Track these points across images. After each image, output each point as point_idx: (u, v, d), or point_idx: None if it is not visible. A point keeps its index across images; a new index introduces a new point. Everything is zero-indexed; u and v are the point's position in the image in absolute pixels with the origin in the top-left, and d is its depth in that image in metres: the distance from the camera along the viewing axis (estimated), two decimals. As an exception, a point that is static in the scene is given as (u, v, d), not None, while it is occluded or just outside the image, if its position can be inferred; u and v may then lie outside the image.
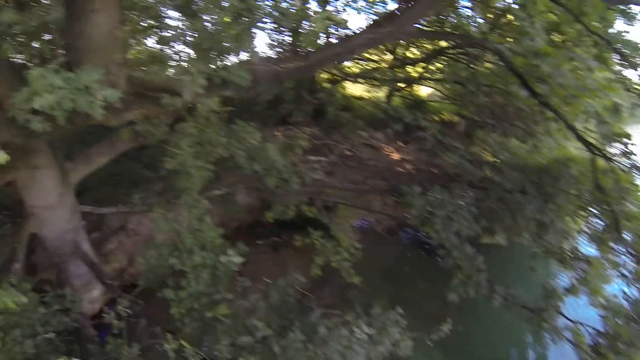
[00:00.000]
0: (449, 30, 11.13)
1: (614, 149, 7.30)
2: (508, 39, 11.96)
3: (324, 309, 6.00)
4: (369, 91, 18.21)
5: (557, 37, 10.71)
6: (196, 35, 4.67)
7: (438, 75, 16.43)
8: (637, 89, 9.60)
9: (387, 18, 6.15)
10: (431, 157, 10.97)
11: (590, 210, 8.95)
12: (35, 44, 4.28)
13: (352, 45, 5.79)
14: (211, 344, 5.65)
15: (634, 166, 7.32)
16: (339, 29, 6.54)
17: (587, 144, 7.18)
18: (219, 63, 5.00)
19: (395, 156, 10.36)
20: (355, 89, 18.48)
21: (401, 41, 13.12)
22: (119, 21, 3.99)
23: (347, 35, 6.11)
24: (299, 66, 5.74)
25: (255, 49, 5.44)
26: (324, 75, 15.01)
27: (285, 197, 9.18)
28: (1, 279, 6.24)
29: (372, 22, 6.57)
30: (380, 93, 18.21)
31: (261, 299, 6.08)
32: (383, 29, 5.80)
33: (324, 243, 9.54)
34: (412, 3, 5.94)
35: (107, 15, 3.77)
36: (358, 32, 6.08)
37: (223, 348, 5.36)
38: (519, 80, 6.35)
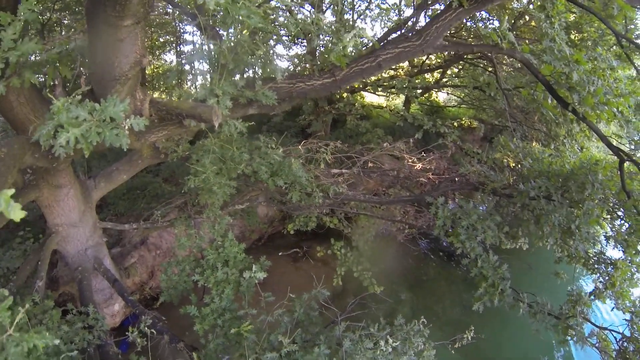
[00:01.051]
0: (474, 41, 10.94)
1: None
2: (526, 40, 11.83)
3: (347, 321, 5.90)
4: (387, 98, 18.07)
5: (575, 36, 10.52)
6: (218, 53, 4.60)
7: (455, 81, 16.28)
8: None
9: (414, 31, 6.05)
10: (453, 165, 10.83)
11: (616, 214, 8.79)
12: (58, 73, 4.19)
13: (380, 60, 5.67)
14: (236, 361, 5.60)
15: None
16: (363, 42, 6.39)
17: (616, 150, 6.99)
18: (243, 83, 4.93)
19: (417, 165, 10.24)
20: (372, 97, 18.33)
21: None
22: (145, 48, 3.92)
23: (373, 49, 5.96)
24: (325, 83, 5.64)
25: (279, 67, 5.36)
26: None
27: (307, 210, 9.14)
28: (24, 296, 6.27)
29: (399, 36, 6.45)
30: (398, 100, 18.05)
31: (285, 314, 6.00)
32: (410, 43, 5.68)
33: (345, 253, 9.50)
34: (439, 15, 5.81)
35: (133, 43, 3.70)
36: (385, 45, 5.93)
37: (248, 365, 5.29)
38: (548, 90, 6.16)
